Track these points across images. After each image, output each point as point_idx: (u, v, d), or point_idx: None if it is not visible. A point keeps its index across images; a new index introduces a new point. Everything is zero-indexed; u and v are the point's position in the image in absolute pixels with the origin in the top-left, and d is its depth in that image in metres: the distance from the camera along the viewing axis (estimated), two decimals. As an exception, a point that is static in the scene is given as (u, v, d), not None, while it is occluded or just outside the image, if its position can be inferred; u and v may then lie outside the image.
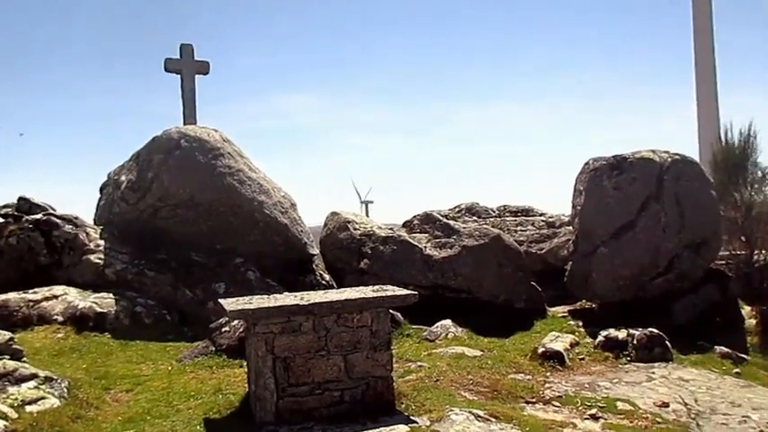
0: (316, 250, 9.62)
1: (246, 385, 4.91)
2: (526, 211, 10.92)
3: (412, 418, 4.45)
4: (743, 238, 8.33)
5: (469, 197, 13.64)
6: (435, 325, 7.47)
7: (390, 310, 5.03)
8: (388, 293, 4.69)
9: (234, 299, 4.82)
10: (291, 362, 4.35)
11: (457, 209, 11.28)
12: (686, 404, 5.19)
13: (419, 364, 6.06)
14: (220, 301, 4.74)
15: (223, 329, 6.33)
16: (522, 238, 9.83)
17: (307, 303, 4.41)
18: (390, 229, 9.45)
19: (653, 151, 8.07)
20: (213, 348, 6.20)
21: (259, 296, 4.91)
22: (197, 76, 12.04)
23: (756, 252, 8.26)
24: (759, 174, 8.26)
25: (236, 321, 5.98)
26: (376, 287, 5.04)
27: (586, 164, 8.36)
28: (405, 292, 4.78)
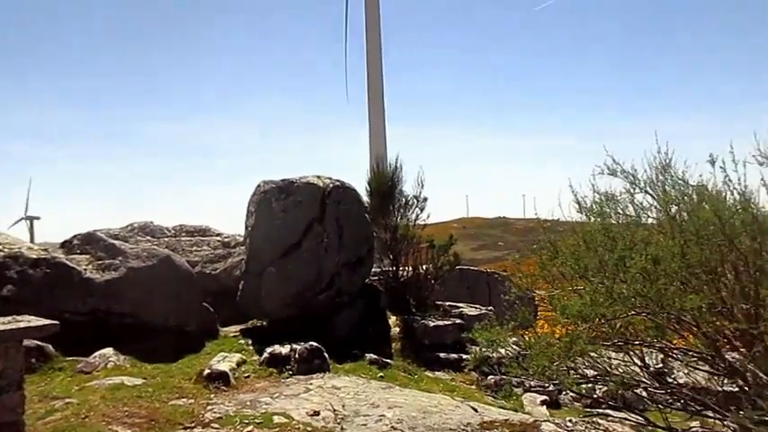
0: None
1: None
2: (203, 231, 10.81)
3: (46, 464, 3.99)
4: (391, 256, 9.54)
5: (151, 215, 12.99)
6: (93, 355, 6.86)
7: (40, 342, 4.45)
8: (21, 325, 4.13)
9: None
10: None
11: (129, 227, 10.59)
12: (335, 410, 5.68)
13: (67, 400, 5.48)
14: None
15: None
16: (196, 259, 9.68)
17: None
18: (45, 250, 8.40)
19: (318, 176, 8.76)
20: None
21: None
22: None
23: (401, 268, 9.54)
24: (404, 201, 9.60)
25: None
26: (8, 318, 4.40)
27: (258, 186, 8.67)
28: (42, 322, 4.27)
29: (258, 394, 6.18)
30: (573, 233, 4.60)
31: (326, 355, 7.22)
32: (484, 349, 5.26)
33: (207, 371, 6.48)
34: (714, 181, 4.15)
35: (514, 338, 6.13)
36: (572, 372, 4.89)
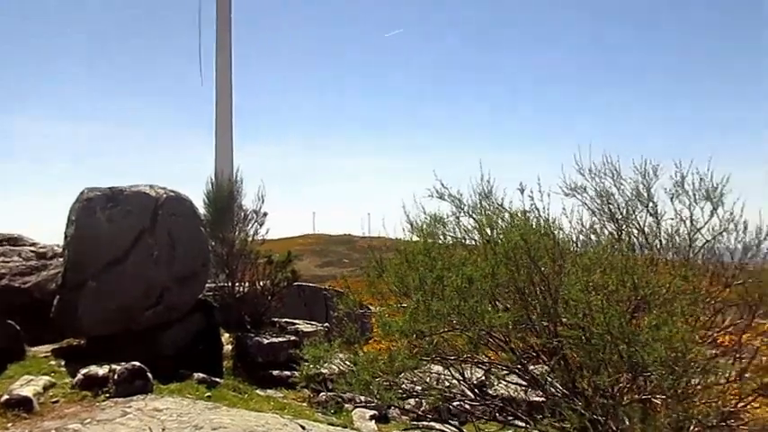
0: None
1: None
2: (14, 240, 9.74)
3: None
4: (227, 272, 9.27)
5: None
6: None
7: None
8: None
9: None
10: None
11: None
12: (153, 434, 5.35)
13: None
14: None
15: None
16: (4, 271, 8.69)
17: None
18: None
19: (150, 186, 8.29)
20: None
21: None
22: None
23: (238, 284, 9.30)
24: (243, 215, 9.40)
25: None
26: None
27: (81, 193, 8.01)
28: None
29: (67, 421, 5.66)
30: (397, 252, 4.79)
31: (150, 376, 6.79)
32: (312, 366, 5.26)
33: (5, 396, 5.81)
34: (522, 207, 4.55)
35: (348, 354, 6.23)
36: (395, 386, 5.05)
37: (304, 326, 9.37)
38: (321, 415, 7.06)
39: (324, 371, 6.89)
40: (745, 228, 5.22)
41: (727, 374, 4.67)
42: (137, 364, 6.78)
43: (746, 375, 5.13)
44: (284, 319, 9.57)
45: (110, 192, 7.95)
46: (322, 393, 7.50)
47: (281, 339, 8.53)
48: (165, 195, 8.26)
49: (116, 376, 6.60)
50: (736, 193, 4.98)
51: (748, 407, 5.57)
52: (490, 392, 6.54)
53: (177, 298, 8.26)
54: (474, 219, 5.45)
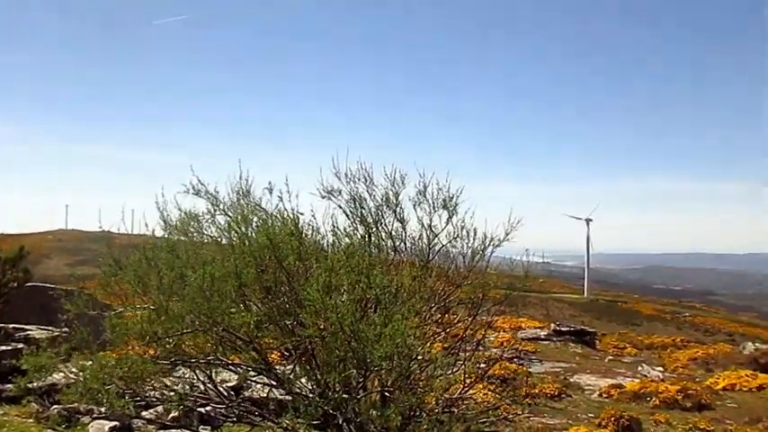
0: None
1: None
2: None
3: None
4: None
5: None
6: None
7: None
8: None
9: None
10: None
11: None
12: None
13: None
14: None
15: None
16: None
17: None
18: None
19: None
20: None
21: None
22: None
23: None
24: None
25: None
26: None
27: None
28: None
29: None
30: (137, 250, 4.47)
31: None
32: (33, 376, 4.66)
33: None
34: (270, 206, 4.55)
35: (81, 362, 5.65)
36: (133, 394, 4.69)
37: (37, 332, 8.28)
38: (51, 430, 6.32)
39: (57, 381, 6.18)
40: (475, 235, 5.88)
41: (453, 366, 5.19)
42: None
43: (473, 365, 5.76)
44: (12, 325, 8.37)
45: None
46: (55, 406, 6.72)
47: (3, 348, 7.43)
48: None
49: None
50: (468, 204, 5.57)
51: (472, 392, 6.25)
52: (246, 394, 6.44)
53: None
54: (229, 217, 5.32)
